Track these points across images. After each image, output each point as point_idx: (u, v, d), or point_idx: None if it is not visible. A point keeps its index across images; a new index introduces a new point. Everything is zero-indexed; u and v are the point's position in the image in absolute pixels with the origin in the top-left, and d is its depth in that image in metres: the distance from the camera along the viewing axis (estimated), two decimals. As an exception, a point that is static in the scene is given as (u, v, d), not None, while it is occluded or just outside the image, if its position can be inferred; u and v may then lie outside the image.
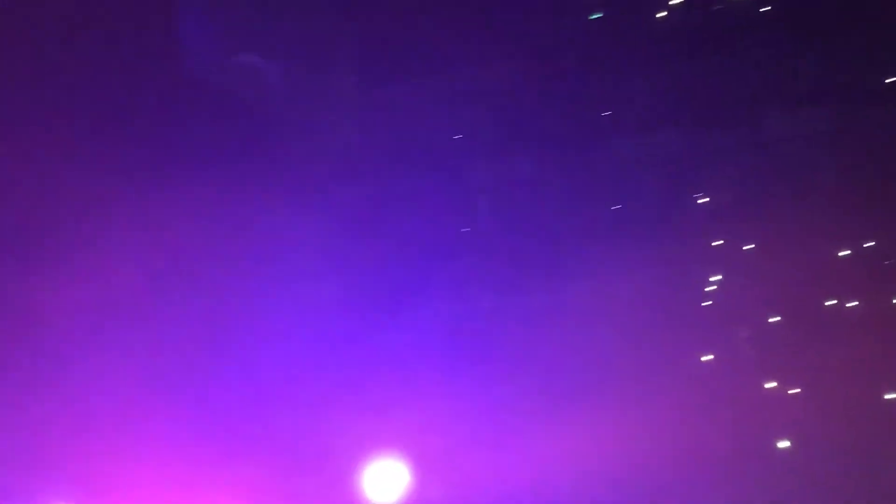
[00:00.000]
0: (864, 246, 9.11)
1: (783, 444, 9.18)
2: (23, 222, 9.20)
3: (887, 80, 9.09)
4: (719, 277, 9.48)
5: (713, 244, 9.45)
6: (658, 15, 9.51)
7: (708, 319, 9.45)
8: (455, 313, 9.57)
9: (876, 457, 8.83)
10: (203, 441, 9.24)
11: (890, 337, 8.82)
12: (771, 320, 9.30)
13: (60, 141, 9.08)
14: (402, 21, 9.57)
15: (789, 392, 9.16)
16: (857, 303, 9.11)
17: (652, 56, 9.59)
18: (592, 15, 9.60)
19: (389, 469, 9.52)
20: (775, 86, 9.45)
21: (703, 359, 9.40)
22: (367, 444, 9.45)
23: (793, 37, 9.33)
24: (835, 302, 9.15)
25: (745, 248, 9.37)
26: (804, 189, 9.24)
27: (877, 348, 8.83)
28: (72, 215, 9.18)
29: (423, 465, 9.47)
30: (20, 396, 9.09)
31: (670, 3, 9.47)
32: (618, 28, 9.62)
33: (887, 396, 8.97)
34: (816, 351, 9.08)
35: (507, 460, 9.24)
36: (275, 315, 9.35)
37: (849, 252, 9.13)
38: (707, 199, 9.52)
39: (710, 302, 9.44)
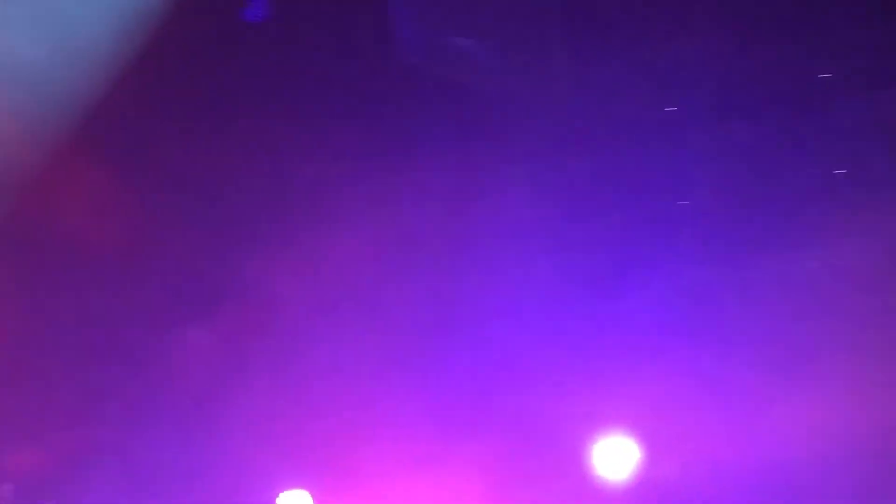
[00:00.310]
0: None
1: None
2: (256, 212, 9.52)
3: None
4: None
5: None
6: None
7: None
8: (678, 288, 9.43)
9: None
10: (434, 423, 9.40)
11: None
12: None
13: (288, 132, 9.37)
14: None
15: None
16: None
17: (873, 10, 9.25)
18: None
19: (620, 446, 9.51)
20: None
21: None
22: (596, 420, 9.45)
23: None
24: None
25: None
26: None
27: None
28: (301, 204, 9.44)
29: (654, 442, 9.43)
30: (260, 385, 9.42)
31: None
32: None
33: None
34: None
35: (744, 436, 9.10)
36: (501, 294, 9.42)
37: None
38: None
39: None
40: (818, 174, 9.39)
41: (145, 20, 8.97)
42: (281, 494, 9.47)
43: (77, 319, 9.47)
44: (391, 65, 9.44)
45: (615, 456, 9.51)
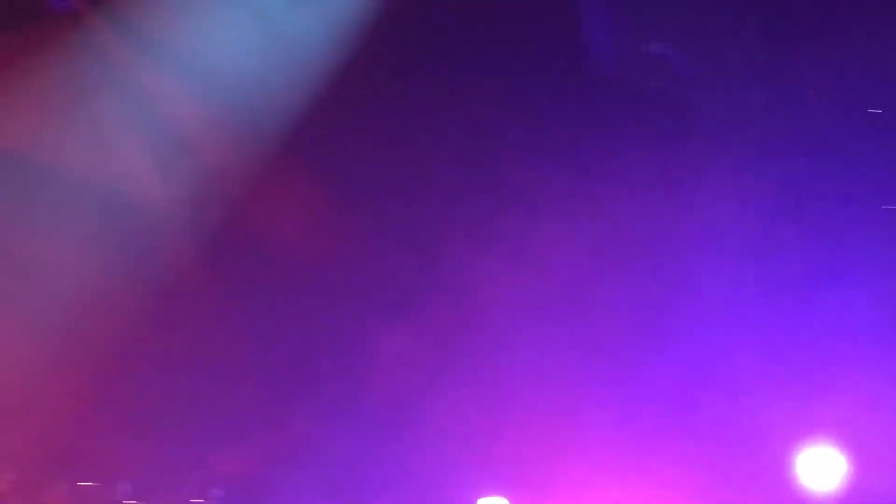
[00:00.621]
0: None
1: None
2: (461, 212, 9.61)
3: None
4: None
5: None
6: None
7: None
8: (888, 292, 9.20)
9: None
10: (636, 429, 9.30)
11: None
12: None
13: (492, 134, 9.50)
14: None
15: None
16: None
17: None
18: None
19: (826, 455, 9.26)
20: None
21: None
22: (801, 428, 9.23)
23: None
24: None
25: None
26: None
27: None
28: (506, 206, 9.50)
29: (861, 452, 9.15)
30: (462, 387, 9.48)
31: None
32: None
33: None
34: None
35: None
36: (706, 297, 9.32)
37: None
38: None
39: None
40: None
41: (355, 29, 9.22)
42: (480, 500, 9.47)
43: (283, 321, 9.71)
44: (592, 69, 9.49)
45: (821, 466, 9.26)
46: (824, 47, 9.30)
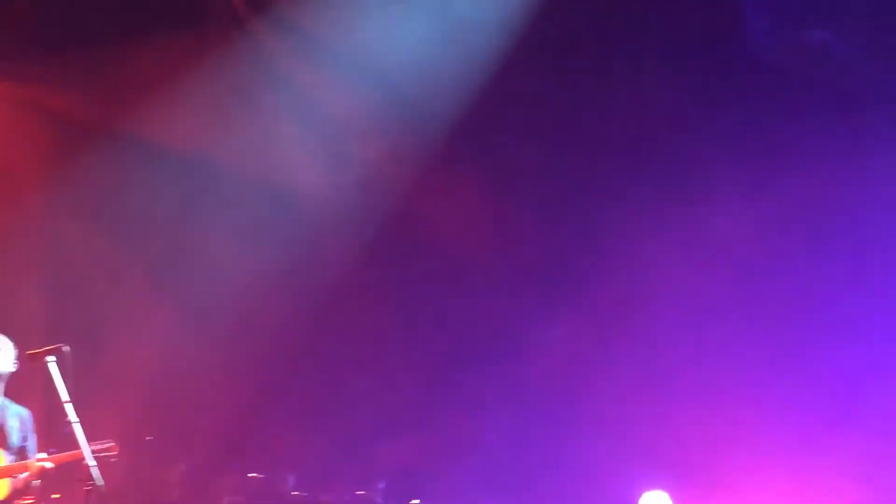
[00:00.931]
0: None
1: None
2: (632, 202, 9.55)
3: None
4: None
5: None
6: None
7: None
8: None
9: None
10: (805, 423, 9.11)
11: None
12: None
13: (657, 124, 9.50)
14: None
15: None
16: None
17: None
18: None
19: None
20: None
21: None
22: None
23: None
24: None
25: None
26: None
27: None
28: (678, 195, 9.36)
29: None
30: (623, 381, 9.44)
31: None
32: None
33: None
34: None
35: None
36: (880, 290, 9.11)
37: None
38: None
39: None
40: None
41: (523, 17, 9.27)
42: (643, 495, 9.38)
43: (447, 314, 9.82)
44: (742, 58, 9.36)
45: None
46: None
